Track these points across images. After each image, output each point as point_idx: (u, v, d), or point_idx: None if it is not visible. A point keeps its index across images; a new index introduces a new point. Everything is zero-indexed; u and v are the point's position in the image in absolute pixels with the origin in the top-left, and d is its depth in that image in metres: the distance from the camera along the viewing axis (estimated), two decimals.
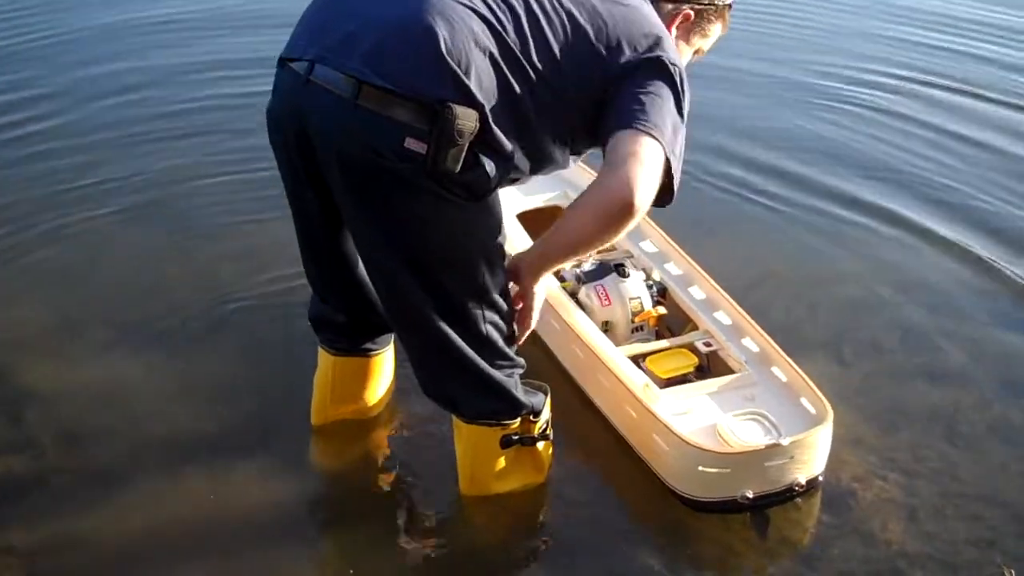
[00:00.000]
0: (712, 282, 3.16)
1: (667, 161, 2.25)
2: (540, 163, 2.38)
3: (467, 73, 2.16)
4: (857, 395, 3.03)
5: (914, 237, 3.85)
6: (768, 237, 3.85)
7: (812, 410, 2.75)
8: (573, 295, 3.11)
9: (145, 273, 3.46)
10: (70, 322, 3.22)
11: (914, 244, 3.82)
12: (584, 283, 3.11)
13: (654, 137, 2.22)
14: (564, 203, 3.43)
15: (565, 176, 3.34)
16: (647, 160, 2.21)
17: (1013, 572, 2.36)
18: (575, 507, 2.73)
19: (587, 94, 2.30)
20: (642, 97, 2.26)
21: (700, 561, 2.57)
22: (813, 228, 3.91)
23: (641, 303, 3.07)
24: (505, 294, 2.44)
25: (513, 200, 3.44)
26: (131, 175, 4.04)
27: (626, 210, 2.21)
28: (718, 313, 3.08)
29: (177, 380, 3.02)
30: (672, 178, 2.28)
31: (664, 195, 2.29)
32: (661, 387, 2.83)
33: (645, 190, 2.20)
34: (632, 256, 3.29)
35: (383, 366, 2.84)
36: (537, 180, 2.62)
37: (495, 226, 2.36)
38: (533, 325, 2.56)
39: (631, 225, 2.24)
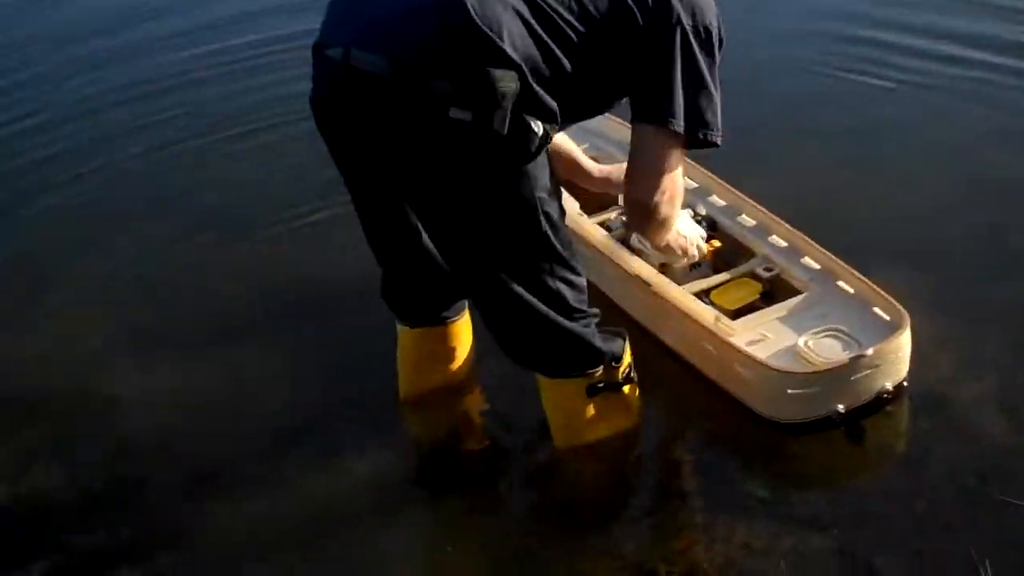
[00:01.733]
0: (760, 208, 3.12)
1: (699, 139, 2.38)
2: (579, 117, 2.44)
3: (500, 36, 2.15)
4: (934, 298, 2.98)
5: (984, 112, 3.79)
6: (823, 148, 3.77)
7: (887, 317, 2.74)
8: (624, 242, 3.07)
9: (210, 277, 3.45)
10: (145, 332, 3.23)
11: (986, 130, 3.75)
12: None
13: (678, 132, 2.34)
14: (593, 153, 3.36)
15: (590, 127, 3.30)
16: (667, 175, 2.42)
17: None
18: (669, 447, 2.75)
19: (621, 51, 2.30)
20: (671, 77, 2.31)
21: (805, 482, 2.57)
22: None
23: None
24: (568, 247, 2.43)
25: None
26: (171, 189, 3.97)
27: (658, 224, 2.53)
28: (772, 237, 3.05)
29: (261, 374, 3.02)
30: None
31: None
32: (732, 318, 2.81)
33: (668, 206, 2.48)
34: None
35: (461, 332, 2.84)
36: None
37: (549, 182, 2.35)
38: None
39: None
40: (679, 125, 2.34)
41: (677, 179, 2.47)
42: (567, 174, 2.89)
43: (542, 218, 2.34)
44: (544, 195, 2.33)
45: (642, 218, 2.55)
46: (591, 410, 2.63)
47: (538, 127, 2.23)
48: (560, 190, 2.43)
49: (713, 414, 2.78)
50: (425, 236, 2.52)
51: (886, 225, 3.34)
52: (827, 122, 3.96)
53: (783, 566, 2.35)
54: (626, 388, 2.66)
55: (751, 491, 2.54)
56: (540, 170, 2.31)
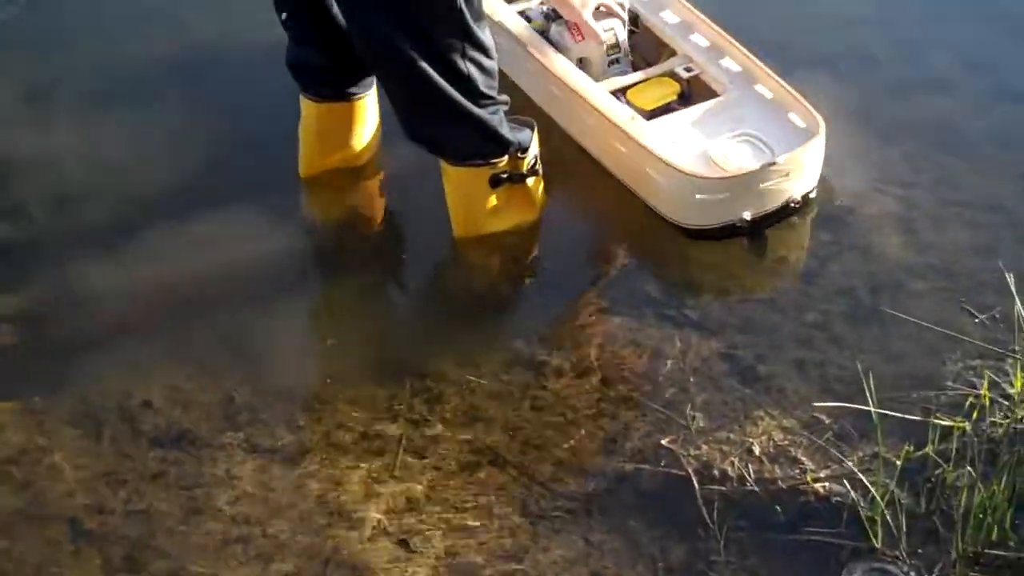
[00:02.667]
0: (685, 3, 3.00)
1: None
2: None
3: None
4: (852, 110, 2.93)
5: None
6: None
7: (802, 124, 2.69)
8: (543, 34, 2.94)
9: (112, 34, 3.29)
10: (41, 90, 3.10)
11: None
12: (554, 20, 2.94)
13: None
14: None
15: None
16: None
17: (1012, 277, 2.35)
18: (570, 242, 2.72)
19: None
20: None
21: (699, 286, 2.57)
22: None
23: (615, 34, 2.91)
24: (483, 28, 2.35)
25: None
26: None
27: None
28: (695, 36, 2.94)
29: (159, 138, 2.94)
30: None
31: None
32: (647, 119, 2.74)
33: None
34: None
35: (367, 111, 2.75)
36: None
37: None
38: None
39: None
40: None
41: None
42: None
43: None
44: None
45: None
46: (493, 200, 2.60)
47: None
48: None
49: (617, 216, 2.75)
50: (335, 6, 2.41)
51: (812, 32, 3.23)
52: None
53: (668, 365, 2.38)
54: (530, 181, 2.62)
55: (646, 292, 2.55)
56: None
